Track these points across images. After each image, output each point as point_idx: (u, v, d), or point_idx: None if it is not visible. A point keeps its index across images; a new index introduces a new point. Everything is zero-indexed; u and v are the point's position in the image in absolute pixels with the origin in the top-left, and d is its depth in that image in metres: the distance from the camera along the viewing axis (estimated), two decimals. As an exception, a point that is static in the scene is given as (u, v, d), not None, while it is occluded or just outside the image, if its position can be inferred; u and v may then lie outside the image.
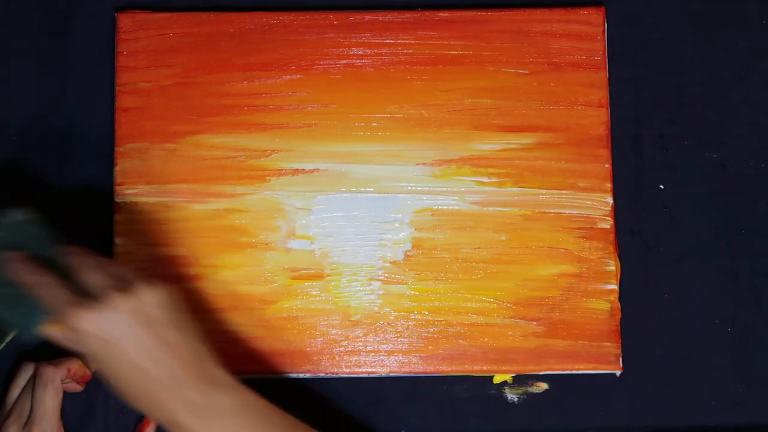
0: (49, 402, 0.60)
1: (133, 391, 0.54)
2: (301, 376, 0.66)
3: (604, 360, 0.66)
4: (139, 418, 0.66)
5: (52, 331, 0.55)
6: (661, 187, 0.69)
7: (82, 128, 0.68)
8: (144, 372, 0.53)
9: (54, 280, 0.54)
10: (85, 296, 0.53)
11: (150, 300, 0.54)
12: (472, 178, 0.67)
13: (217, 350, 0.56)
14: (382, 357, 0.66)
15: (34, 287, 0.55)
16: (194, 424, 0.53)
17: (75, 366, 0.63)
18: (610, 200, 0.67)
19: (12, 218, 0.58)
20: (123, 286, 0.54)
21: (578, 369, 0.66)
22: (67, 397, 0.64)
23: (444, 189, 0.67)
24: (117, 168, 0.67)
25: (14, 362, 0.64)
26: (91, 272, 0.55)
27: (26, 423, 0.60)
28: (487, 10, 0.68)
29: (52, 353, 0.62)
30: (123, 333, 0.53)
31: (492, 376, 0.67)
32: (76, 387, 0.64)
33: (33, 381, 0.61)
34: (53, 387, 0.60)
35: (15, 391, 0.62)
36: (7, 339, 0.65)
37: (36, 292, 0.55)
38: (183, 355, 0.54)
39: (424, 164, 0.68)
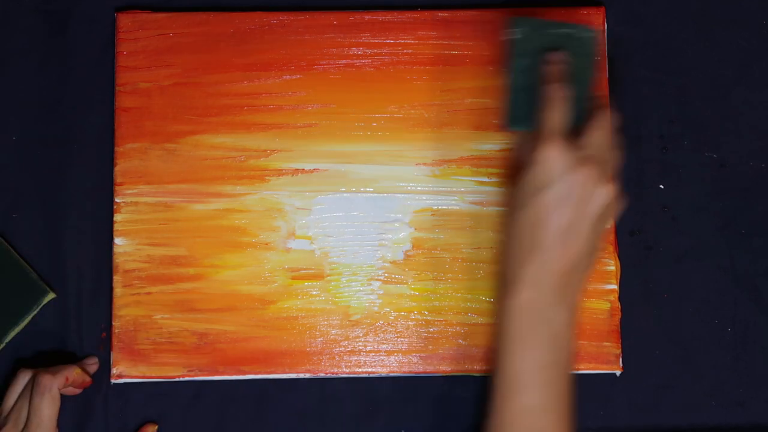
0: (46, 411, 0.59)
1: (515, 226, 0.56)
2: (301, 376, 0.66)
3: (604, 360, 0.66)
4: (141, 420, 0.66)
5: (518, 133, 0.58)
6: (661, 187, 0.69)
7: (82, 128, 0.68)
8: (539, 226, 0.55)
9: (564, 102, 0.57)
10: (572, 137, 0.56)
11: (606, 197, 0.55)
12: (472, 178, 0.67)
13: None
14: (382, 357, 0.66)
15: (549, 97, 0.57)
16: (521, 301, 0.55)
17: (73, 374, 0.62)
18: (610, 200, 0.67)
19: (580, 33, 0.59)
20: (603, 169, 0.56)
21: (578, 369, 0.66)
22: (67, 399, 0.64)
23: (444, 189, 0.67)
24: (117, 168, 0.67)
25: (11, 368, 0.63)
26: (598, 134, 0.57)
27: (23, 430, 0.60)
28: (487, 10, 0.69)
29: (49, 361, 0.63)
30: (561, 187, 0.55)
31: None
32: (74, 390, 0.64)
33: (30, 388, 0.60)
34: (50, 395, 0.60)
35: (12, 398, 0.62)
36: (7, 339, 0.66)
37: (545, 102, 0.57)
38: (572, 252, 0.55)
39: (424, 164, 0.68)
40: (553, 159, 0.55)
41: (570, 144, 0.56)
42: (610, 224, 0.57)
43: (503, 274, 0.57)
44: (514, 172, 0.58)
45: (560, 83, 0.57)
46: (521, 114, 0.59)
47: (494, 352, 0.57)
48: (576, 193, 0.55)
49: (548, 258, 0.55)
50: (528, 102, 0.59)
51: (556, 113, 0.57)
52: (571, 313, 0.56)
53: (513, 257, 0.56)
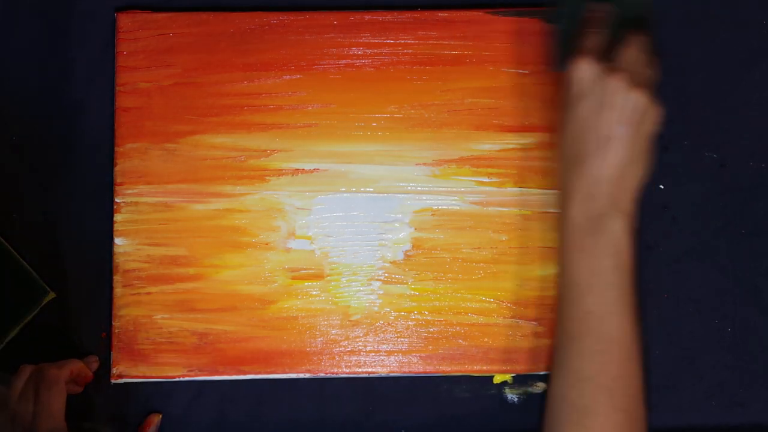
0: (55, 403, 0.59)
1: (563, 145, 0.60)
2: (301, 376, 0.66)
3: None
4: (141, 420, 0.66)
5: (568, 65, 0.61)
6: (661, 187, 0.69)
7: (82, 128, 0.68)
8: (580, 139, 0.58)
9: (602, 35, 0.61)
10: (608, 58, 0.59)
11: (638, 102, 0.58)
12: (472, 178, 0.67)
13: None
14: (382, 357, 0.66)
15: (588, 29, 0.61)
16: (575, 214, 0.58)
17: (77, 367, 0.63)
18: (610, 200, 0.67)
19: None
20: (634, 78, 0.58)
21: (578, 369, 0.66)
22: (68, 399, 0.64)
23: (444, 189, 0.67)
24: (117, 168, 0.67)
25: (11, 368, 0.63)
26: (630, 50, 0.59)
27: (30, 425, 0.59)
28: (487, 9, 0.69)
29: (49, 361, 0.63)
30: (594, 98, 0.58)
31: (492, 376, 0.67)
32: (75, 389, 0.64)
33: (33, 383, 0.60)
34: (58, 388, 0.60)
35: (16, 393, 0.61)
36: (7, 339, 0.66)
37: (583, 37, 0.61)
38: (613, 161, 0.58)
39: (424, 164, 0.68)
40: (583, 71, 0.59)
41: (601, 58, 0.59)
42: (651, 131, 0.59)
43: (560, 189, 0.60)
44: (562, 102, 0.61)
45: (600, 24, 0.61)
46: (567, 55, 0.62)
47: (558, 263, 0.60)
48: (607, 101, 0.58)
49: (594, 167, 0.58)
50: (572, 44, 0.62)
51: (592, 38, 0.60)
52: (627, 219, 0.58)
53: (565, 172, 0.60)
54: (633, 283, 0.58)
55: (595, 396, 0.56)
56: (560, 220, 0.60)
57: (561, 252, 0.60)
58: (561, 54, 0.64)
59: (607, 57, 0.60)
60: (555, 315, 0.66)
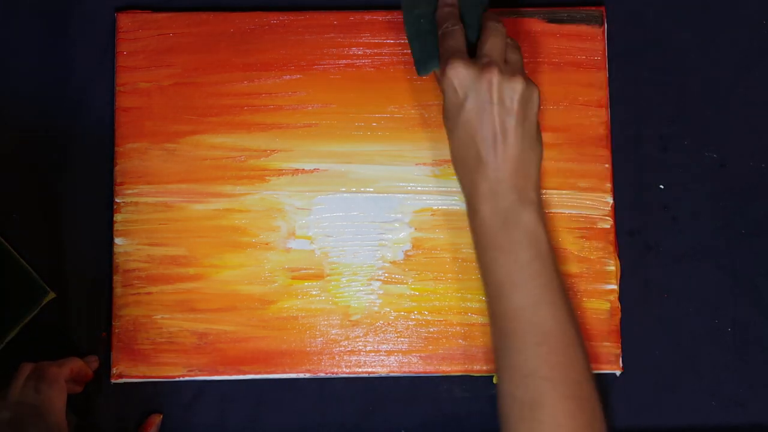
0: (56, 401, 0.59)
1: (456, 151, 0.60)
2: (301, 376, 0.66)
3: (604, 360, 0.66)
4: (141, 420, 0.66)
5: (437, 72, 0.62)
6: (661, 187, 0.69)
7: (82, 128, 0.68)
8: (472, 142, 0.58)
9: (461, 32, 0.61)
10: (473, 56, 0.59)
11: (517, 90, 0.58)
12: (472, 178, 0.67)
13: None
14: (382, 357, 0.66)
15: (443, 32, 0.61)
16: (485, 215, 0.58)
17: (77, 366, 0.63)
18: (610, 200, 0.67)
19: None
20: (507, 68, 0.59)
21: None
22: (68, 399, 0.64)
23: (444, 189, 0.67)
24: (117, 168, 0.67)
25: (11, 368, 0.63)
26: (492, 40, 0.59)
27: (34, 414, 0.59)
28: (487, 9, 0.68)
29: (50, 357, 0.63)
30: (475, 98, 0.58)
31: (492, 376, 0.67)
32: (75, 388, 0.64)
33: (33, 381, 0.60)
34: (58, 386, 0.60)
35: (16, 391, 0.61)
36: (7, 339, 0.65)
37: (441, 37, 0.61)
38: (510, 153, 0.58)
39: (424, 164, 0.68)
40: (458, 74, 0.58)
41: (469, 59, 0.59)
42: (536, 113, 0.59)
43: (465, 197, 0.60)
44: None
45: (453, 19, 0.61)
46: (427, 57, 0.63)
47: (477, 262, 0.60)
48: (488, 98, 0.58)
49: (493, 165, 0.58)
50: (430, 44, 0.63)
51: (452, 40, 0.60)
52: (536, 208, 0.58)
53: (465, 179, 0.60)
54: (557, 270, 0.58)
55: (539, 388, 0.56)
56: (471, 223, 0.60)
57: (478, 254, 0.60)
58: (422, 57, 0.63)
59: (475, 53, 0.60)
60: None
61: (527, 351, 0.56)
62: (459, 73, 0.58)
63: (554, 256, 0.58)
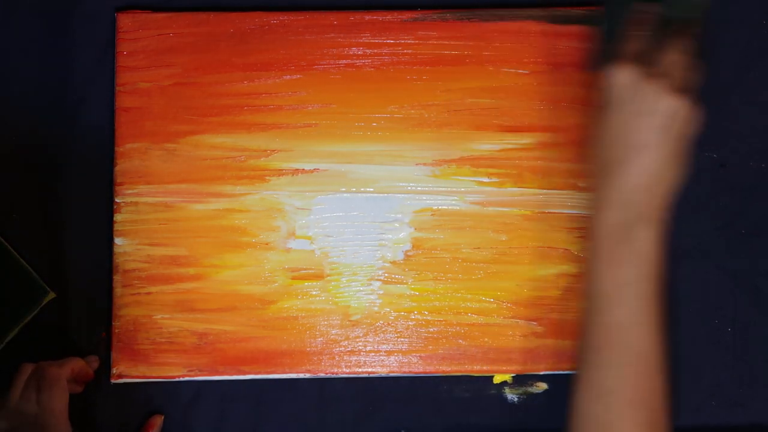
0: (57, 402, 0.59)
1: (600, 150, 0.58)
2: (301, 376, 0.66)
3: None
4: (141, 420, 0.66)
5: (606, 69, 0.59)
6: (661, 187, 0.69)
7: (82, 128, 0.68)
8: (617, 146, 0.57)
9: (647, 41, 0.59)
10: (651, 65, 0.58)
11: (677, 108, 0.57)
12: (472, 178, 0.67)
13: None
14: (382, 357, 0.66)
15: (631, 35, 0.60)
16: (607, 222, 0.57)
17: (78, 366, 0.63)
18: (610, 200, 0.67)
19: None
20: (677, 84, 0.57)
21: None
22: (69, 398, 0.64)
23: (444, 189, 0.67)
24: (117, 168, 0.67)
25: (11, 368, 0.63)
26: (671, 53, 0.58)
27: (33, 424, 0.59)
28: (487, 9, 0.69)
29: (50, 357, 0.63)
30: (634, 103, 0.57)
31: (492, 376, 0.67)
32: (76, 388, 0.64)
33: (34, 381, 0.60)
34: (60, 387, 0.60)
35: (17, 392, 0.61)
36: (7, 339, 0.66)
37: (627, 38, 0.59)
38: (648, 167, 0.57)
39: (424, 164, 0.68)
40: (622, 76, 0.57)
41: (640, 63, 0.58)
42: (688, 135, 0.58)
43: (593, 195, 0.59)
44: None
45: (645, 26, 0.60)
46: (608, 56, 0.61)
47: (585, 271, 0.59)
48: (645, 107, 0.57)
49: (630, 175, 0.57)
50: (615, 46, 0.61)
51: (635, 44, 0.59)
52: (658, 228, 0.57)
53: (599, 178, 0.59)
54: (661, 294, 0.57)
55: (618, 410, 0.55)
56: (591, 227, 0.59)
57: (589, 260, 0.59)
58: (602, 55, 0.62)
59: (648, 61, 0.58)
60: (556, 315, 0.66)
61: (612, 369, 0.56)
62: (624, 74, 0.57)
63: (660, 280, 0.57)
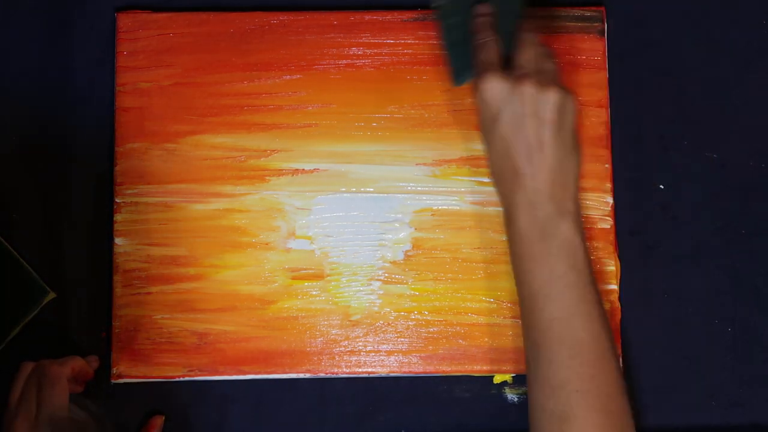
0: (57, 401, 0.59)
1: (493, 162, 0.60)
2: (301, 376, 0.66)
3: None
4: (141, 420, 0.66)
5: (470, 84, 0.61)
6: (661, 187, 0.69)
7: (82, 128, 0.68)
8: (508, 154, 0.58)
9: (495, 43, 0.60)
10: (508, 68, 0.59)
11: (552, 100, 0.58)
12: (472, 178, 0.67)
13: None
14: (382, 357, 0.66)
15: (477, 44, 0.61)
16: (522, 226, 0.58)
17: (79, 365, 0.62)
18: (610, 200, 0.67)
19: None
20: (541, 78, 0.58)
21: (578, 369, 0.66)
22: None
23: (444, 189, 0.67)
24: (117, 168, 0.67)
25: (11, 369, 0.63)
26: (526, 51, 0.59)
27: (35, 422, 0.59)
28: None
29: (50, 357, 0.62)
30: (510, 111, 0.58)
31: (492, 376, 0.67)
32: (76, 388, 0.64)
33: (35, 380, 0.60)
34: (60, 386, 0.60)
35: (17, 391, 0.61)
36: (7, 339, 0.65)
37: (476, 48, 0.61)
38: (547, 164, 0.57)
39: (424, 164, 0.68)
40: (492, 88, 0.58)
41: (504, 70, 0.59)
42: (574, 122, 0.59)
43: (502, 207, 0.60)
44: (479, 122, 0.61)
45: (488, 30, 0.61)
46: (462, 67, 0.63)
47: (513, 275, 0.59)
48: (524, 110, 0.57)
49: (531, 177, 0.58)
50: (465, 55, 0.62)
51: (487, 52, 0.60)
52: (573, 218, 0.58)
53: (502, 190, 0.60)
54: (593, 281, 0.57)
55: (570, 401, 0.55)
56: (507, 234, 0.60)
57: (514, 264, 0.59)
58: (457, 68, 0.63)
59: (508, 64, 0.59)
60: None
61: (559, 362, 0.56)
62: (493, 86, 0.58)
63: (590, 267, 0.58)
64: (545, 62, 0.59)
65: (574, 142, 0.59)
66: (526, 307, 0.58)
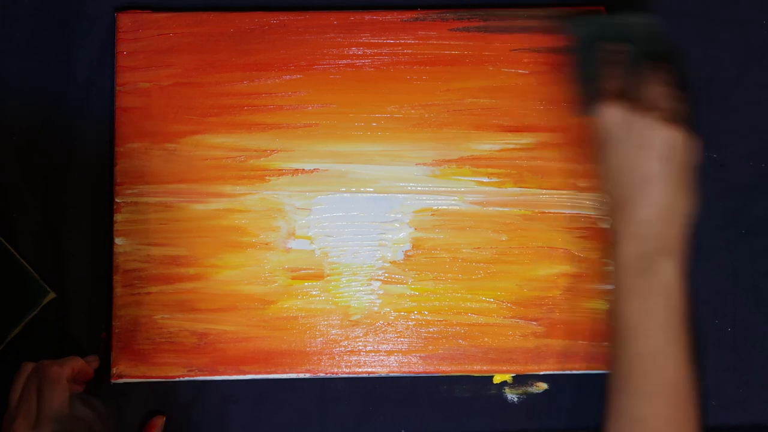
0: (58, 401, 0.59)
1: (607, 189, 0.60)
2: (301, 376, 0.66)
3: (604, 360, 0.66)
4: (141, 420, 0.66)
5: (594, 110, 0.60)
6: (661, 187, 0.69)
7: (82, 128, 0.68)
8: (621, 183, 0.58)
9: (626, 78, 0.60)
10: (634, 98, 0.59)
11: (671, 138, 0.57)
12: (472, 178, 0.67)
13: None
14: (382, 357, 0.66)
15: (609, 76, 0.61)
16: (626, 257, 0.58)
17: (79, 365, 0.62)
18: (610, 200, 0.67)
19: (633, 20, 0.63)
20: (665, 115, 0.58)
21: (578, 369, 0.66)
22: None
23: (444, 189, 0.67)
24: (117, 168, 0.67)
25: (11, 369, 0.63)
26: (655, 88, 0.59)
27: (35, 423, 0.59)
28: (487, 9, 0.69)
29: (50, 357, 0.62)
30: (627, 140, 0.58)
31: (492, 376, 0.67)
32: (76, 388, 0.64)
33: (35, 380, 0.60)
34: (60, 386, 0.60)
35: (17, 391, 0.61)
36: (7, 339, 0.66)
37: (606, 79, 0.61)
38: (656, 200, 0.58)
39: (424, 164, 0.68)
40: (613, 114, 0.58)
41: (626, 99, 0.59)
42: (689, 164, 0.58)
43: (610, 234, 0.60)
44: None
45: (622, 64, 0.61)
46: (591, 99, 0.62)
47: (609, 304, 0.60)
48: (639, 140, 0.58)
49: (637, 209, 0.58)
50: (597, 87, 0.62)
51: (615, 83, 0.60)
52: (677, 259, 0.58)
53: (611, 215, 0.60)
54: (686, 324, 0.58)
55: None
56: (612, 261, 0.60)
57: (613, 293, 0.60)
58: (585, 99, 0.63)
59: (633, 96, 0.59)
60: (556, 315, 0.66)
61: (641, 398, 0.57)
62: (614, 112, 0.58)
63: (686, 310, 0.58)
64: (671, 101, 0.59)
65: (687, 183, 0.59)
66: (616, 339, 0.59)
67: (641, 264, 0.58)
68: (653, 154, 0.57)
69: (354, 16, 0.68)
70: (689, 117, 0.59)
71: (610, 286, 0.66)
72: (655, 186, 0.57)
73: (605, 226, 0.67)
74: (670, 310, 0.57)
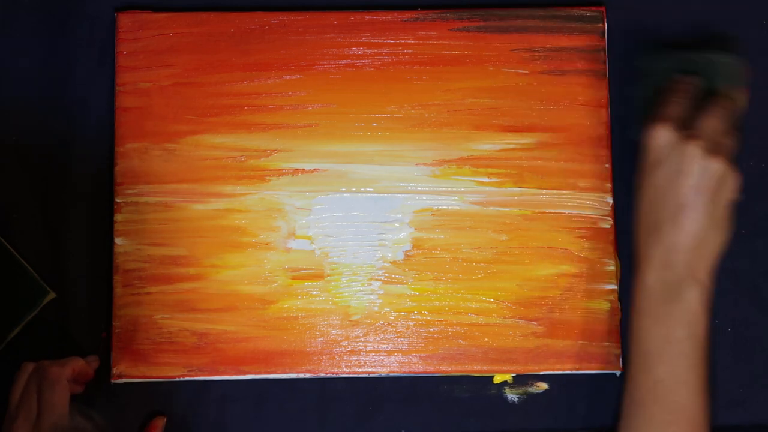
0: (58, 402, 0.59)
1: (640, 210, 0.60)
2: (301, 376, 0.66)
3: (604, 360, 0.66)
4: (141, 421, 0.66)
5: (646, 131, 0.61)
6: (662, 187, 0.69)
7: (82, 128, 0.68)
8: (657, 206, 0.59)
9: (685, 106, 0.60)
10: (688, 128, 0.59)
11: (714, 169, 0.58)
12: (472, 178, 0.67)
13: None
14: (382, 357, 0.66)
15: (669, 101, 0.61)
16: (651, 282, 0.59)
17: (79, 365, 0.62)
18: (610, 200, 0.67)
19: (720, 59, 0.65)
20: (712, 147, 0.58)
21: (578, 369, 0.66)
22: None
23: (444, 189, 0.67)
24: (117, 168, 0.67)
25: (11, 369, 0.63)
26: (709, 120, 0.60)
27: (35, 423, 0.59)
28: (487, 9, 0.69)
29: (50, 357, 0.62)
30: (671, 165, 0.58)
31: (492, 376, 0.67)
32: (76, 388, 0.64)
33: (36, 381, 0.60)
34: (61, 387, 0.60)
35: (18, 392, 0.61)
36: (7, 339, 0.66)
37: (664, 103, 0.61)
38: (690, 229, 0.58)
39: (424, 164, 0.68)
40: (661, 136, 0.59)
41: (679, 126, 0.59)
42: (728, 200, 0.59)
43: (636, 254, 0.60)
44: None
45: (685, 96, 0.61)
46: (647, 121, 0.62)
47: (630, 326, 0.60)
48: (683, 167, 0.58)
49: (671, 235, 0.58)
50: (654, 111, 0.62)
51: (673, 108, 0.60)
52: (703, 289, 0.59)
53: (641, 237, 0.60)
54: (706, 355, 0.59)
55: None
56: (635, 285, 0.60)
57: (634, 317, 0.60)
58: (639, 120, 0.63)
59: (685, 125, 0.60)
60: (556, 315, 0.66)
61: (656, 425, 0.57)
62: (663, 135, 0.59)
63: (707, 342, 0.59)
64: (722, 135, 0.60)
65: (724, 218, 0.59)
66: (635, 364, 0.59)
67: (667, 290, 0.58)
68: (690, 181, 0.58)
69: (354, 16, 0.68)
70: (733, 154, 0.60)
71: (610, 286, 0.66)
72: (689, 214, 0.58)
73: (605, 226, 0.67)
74: (692, 338, 0.58)
